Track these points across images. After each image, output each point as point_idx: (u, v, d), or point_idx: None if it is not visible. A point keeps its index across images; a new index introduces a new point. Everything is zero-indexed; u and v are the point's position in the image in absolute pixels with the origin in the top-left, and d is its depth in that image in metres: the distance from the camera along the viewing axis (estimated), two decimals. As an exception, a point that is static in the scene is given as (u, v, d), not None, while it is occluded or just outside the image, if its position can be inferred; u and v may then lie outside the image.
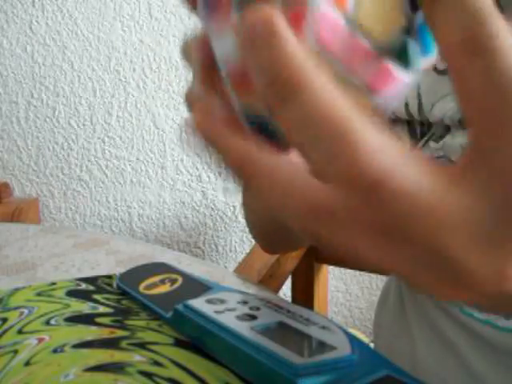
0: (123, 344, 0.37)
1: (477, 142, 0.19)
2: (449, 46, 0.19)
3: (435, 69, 0.44)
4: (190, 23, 1.40)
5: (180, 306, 0.38)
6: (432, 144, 0.47)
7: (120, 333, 0.39)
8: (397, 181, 0.18)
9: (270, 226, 0.56)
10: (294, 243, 0.63)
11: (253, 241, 1.46)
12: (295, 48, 0.19)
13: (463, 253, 0.19)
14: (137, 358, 0.35)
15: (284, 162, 0.21)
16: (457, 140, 0.45)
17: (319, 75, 0.19)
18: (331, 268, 1.37)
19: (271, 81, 0.19)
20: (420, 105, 0.46)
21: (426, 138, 0.48)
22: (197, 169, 1.46)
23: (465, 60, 0.19)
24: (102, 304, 0.43)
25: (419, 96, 0.46)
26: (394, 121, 0.51)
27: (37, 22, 1.48)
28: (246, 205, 0.58)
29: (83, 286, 0.47)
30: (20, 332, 0.39)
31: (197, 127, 0.23)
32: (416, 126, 0.47)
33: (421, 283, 0.21)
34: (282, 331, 0.34)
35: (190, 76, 0.27)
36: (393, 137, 0.19)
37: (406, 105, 0.47)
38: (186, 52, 0.26)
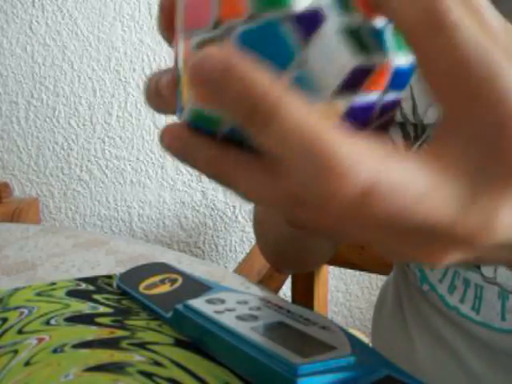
0: (123, 344, 0.37)
1: (449, 115, 0.20)
2: (409, 30, 0.20)
3: None
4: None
5: (180, 306, 0.38)
6: None
7: (120, 333, 0.39)
8: (385, 182, 0.19)
9: (283, 246, 0.55)
10: (305, 264, 0.63)
11: (253, 241, 1.46)
12: (257, 77, 0.19)
13: (442, 216, 0.20)
14: (137, 357, 0.35)
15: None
16: None
17: (288, 96, 0.19)
18: (331, 268, 1.37)
19: (247, 112, 0.19)
20: (414, 107, 0.45)
21: (420, 141, 0.48)
22: (197, 169, 1.46)
23: (426, 40, 0.19)
24: (102, 304, 0.43)
25: (413, 98, 0.45)
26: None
27: (37, 21, 1.48)
28: (260, 223, 0.57)
29: (83, 286, 0.47)
30: (20, 332, 0.39)
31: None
32: (409, 129, 0.47)
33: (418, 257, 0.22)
34: (282, 331, 0.34)
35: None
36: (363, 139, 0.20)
37: (400, 107, 0.46)
38: None
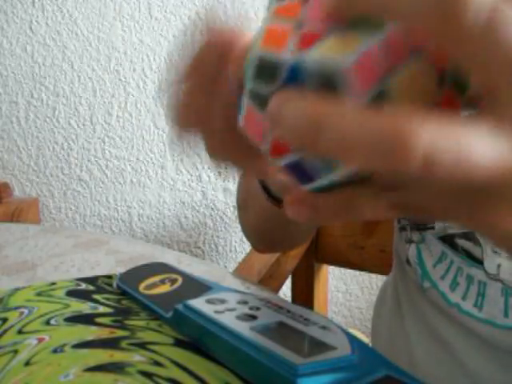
0: (123, 344, 0.37)
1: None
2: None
3: None
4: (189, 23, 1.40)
5: (180, 306, 0.38)
6: None
7: (120, 333, 0.39)
8: None
9: (267, 224, 0.56)
10: (289, 243, 0.63)
11: (253, 241, 1.46)
12: None
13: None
14: (137, 357, 0.35)
15: None
16: None
17: None
18: (331, 268, 1.36)
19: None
20: None
21: None
22: (197, 169, 1.46)
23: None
24: (102, 304, 0.43)
25: None
26: None
27: (37, 21, 1.48)
28: (243, 202, 0.58)
29: (83, 286, 0.47)
30: (20, 332, 0.39)
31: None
32: None
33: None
34: (282, 331, 0.34)
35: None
36: None
37: None
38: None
